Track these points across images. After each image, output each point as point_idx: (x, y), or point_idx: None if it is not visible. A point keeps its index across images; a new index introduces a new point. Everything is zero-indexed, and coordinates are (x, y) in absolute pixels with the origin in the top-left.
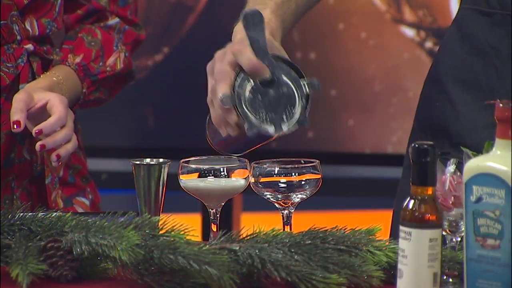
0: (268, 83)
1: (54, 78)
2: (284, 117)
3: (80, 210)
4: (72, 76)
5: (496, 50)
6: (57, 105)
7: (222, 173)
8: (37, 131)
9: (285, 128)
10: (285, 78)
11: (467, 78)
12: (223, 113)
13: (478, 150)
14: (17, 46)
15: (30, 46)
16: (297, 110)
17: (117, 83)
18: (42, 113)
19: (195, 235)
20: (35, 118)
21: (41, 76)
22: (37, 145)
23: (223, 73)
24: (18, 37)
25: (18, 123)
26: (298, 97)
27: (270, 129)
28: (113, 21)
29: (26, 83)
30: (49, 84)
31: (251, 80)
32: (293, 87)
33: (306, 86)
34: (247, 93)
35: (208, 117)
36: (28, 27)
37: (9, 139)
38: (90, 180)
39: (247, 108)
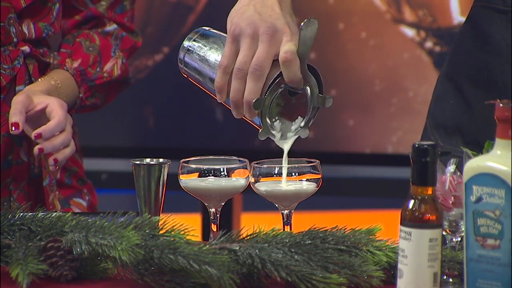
0: (295, 93)
1: (53, 82)
2: (292, 127)
3: (77, 211)
4: (70, 81)
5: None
6: (57, 110)
7: (222, 173)
8: (36, 134)
9: (289, 137)
10: (308, 91)
11: (482, 76)
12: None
13: None
14: (14, 48)
15: (26, 48)
16: (305, 121)
17: (113, 89)
18: (40, 116)
19: (195, 235)
20: (34, 121)
21: (40, 80)
22: (36, 149)
23: (262, 69)
24: (15, 39)
25: (16, 125)
26: (310, 109)
27: (277, 135)
28: (110, 27)
29: (22, 85)
30: (47, 88)
31: (283, 87)
32: (310, 100)
33: (322, 101)
34: (274, 100)
35: (190, 45)
36: (25, 30)
37: (6, 141)
38: (86, 181)
39: (269, 115)
